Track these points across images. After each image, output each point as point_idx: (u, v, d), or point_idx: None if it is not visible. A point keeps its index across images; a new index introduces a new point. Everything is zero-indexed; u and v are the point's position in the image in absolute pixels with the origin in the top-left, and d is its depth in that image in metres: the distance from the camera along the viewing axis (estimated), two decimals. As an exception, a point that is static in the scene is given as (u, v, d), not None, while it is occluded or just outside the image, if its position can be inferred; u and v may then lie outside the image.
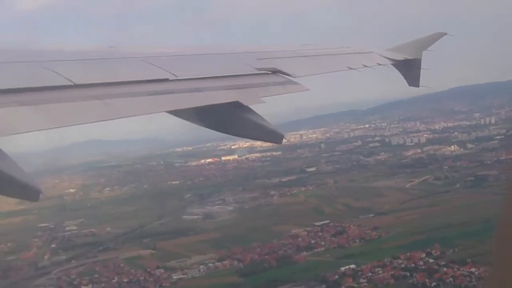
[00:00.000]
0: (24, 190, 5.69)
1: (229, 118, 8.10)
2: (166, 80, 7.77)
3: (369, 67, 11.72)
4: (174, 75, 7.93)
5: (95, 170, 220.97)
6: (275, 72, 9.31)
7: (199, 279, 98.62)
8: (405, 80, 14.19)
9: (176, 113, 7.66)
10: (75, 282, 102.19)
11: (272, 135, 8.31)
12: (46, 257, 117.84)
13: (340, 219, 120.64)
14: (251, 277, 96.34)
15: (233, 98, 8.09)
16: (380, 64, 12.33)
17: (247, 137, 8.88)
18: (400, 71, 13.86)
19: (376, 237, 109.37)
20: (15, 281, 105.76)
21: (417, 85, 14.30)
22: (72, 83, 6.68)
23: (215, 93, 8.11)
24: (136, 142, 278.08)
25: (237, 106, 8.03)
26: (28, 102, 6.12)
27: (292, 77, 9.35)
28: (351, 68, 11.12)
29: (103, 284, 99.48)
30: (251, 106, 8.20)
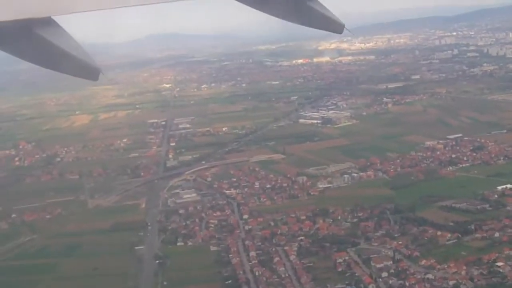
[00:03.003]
0: (84, 69, 6.02)
1: (295, 6, 8.79)
2: None
3: None
4: None
5: (183, 65, 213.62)
6: None
7: (347, 189, 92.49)
8: None
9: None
10: (215, 186, 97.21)
11: (333, 25, 8.83)
12: (170, 156, 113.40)
13: (472, 133, 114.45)
14: (402, 190, 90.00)
15: None
16: None
17: (310, 26, 8.99)
18: None
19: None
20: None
21: None
22: None
23: None
24: (211, 38, 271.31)
25: None
26: None
27: None
28: None
29: (246, 189, 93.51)
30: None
